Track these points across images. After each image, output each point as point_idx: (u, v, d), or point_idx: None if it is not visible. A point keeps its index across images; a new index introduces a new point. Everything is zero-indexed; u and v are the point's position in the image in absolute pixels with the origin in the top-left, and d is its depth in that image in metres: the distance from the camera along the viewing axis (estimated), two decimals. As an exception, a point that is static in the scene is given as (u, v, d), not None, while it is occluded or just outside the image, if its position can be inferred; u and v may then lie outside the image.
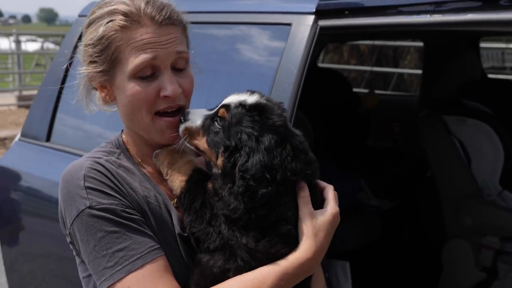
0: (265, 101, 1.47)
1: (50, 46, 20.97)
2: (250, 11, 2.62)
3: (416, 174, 4.47)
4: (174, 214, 1.59)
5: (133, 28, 1.53)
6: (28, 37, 22.35)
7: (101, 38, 1.55)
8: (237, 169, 1.38)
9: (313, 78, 4.44)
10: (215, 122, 1.48)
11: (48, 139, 3.14)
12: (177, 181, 1.55)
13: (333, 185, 1.55)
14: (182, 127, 1.53)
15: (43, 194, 3.01)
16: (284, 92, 2.27)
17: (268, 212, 1.39)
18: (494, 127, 3.75)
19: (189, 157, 1.59)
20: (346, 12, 2.39)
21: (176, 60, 1.56)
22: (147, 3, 1.56)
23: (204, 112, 1.54)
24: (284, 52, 2.35)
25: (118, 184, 1.53)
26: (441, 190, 3.80)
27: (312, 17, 2.35)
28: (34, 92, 12.25)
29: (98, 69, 1.58)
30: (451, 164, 3.74)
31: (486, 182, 3.72)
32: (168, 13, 1.56)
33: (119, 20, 1.53)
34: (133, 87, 1.55)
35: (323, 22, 2.35)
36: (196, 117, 1.53)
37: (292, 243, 1.43)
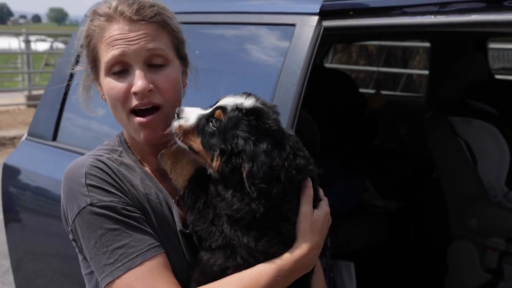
0: (261, 106, 1.47)
1: (60, 45, 21.04)
2: (254, 12, 2.63)
3: (422, 175, 4.46)
4: (175, 211, 1.60)
5: (107, 26, 1.57)
6: (38, 37, 22.42)
7: (85, 37, 1.62)
8: (245, 177, 1.38)
9: (320, 78, 4.47)
10: (210, 123, 1.48)
11: (54, 138, 3.16)
12: (180, 180, 1.56)
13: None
14: (175, 125, 1.53)
15: (49, 193, 3.03)
16: (288, 92, 2.28)
17: (274, 212, 1.41)
18: (500, 129, 3.73)
19: (192, 156, 1.59)
20: (351, 12, 2.39)
21: (150, 57, 1.56)
22: (120, 1, 1.59)
23: (199, 111, 1.53)
24: (288, 53, 2.36)
25: (119, 182, 1.55)
26: (447, 191, 3.79)
27: (316, 18, 2.35)
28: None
29: (87, 67, 1.65)
30: (456, 165, 3.73)
31: (492, 183, 3.71)
32: (136, 9, 1.56)
33: (97, 19, 1.59)
34: (108, 83, 1.58)
35: (327, 23, 2.35)
36: (190, 116, 1.52)
37: (292, 243, 1.45)
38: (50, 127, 3.17)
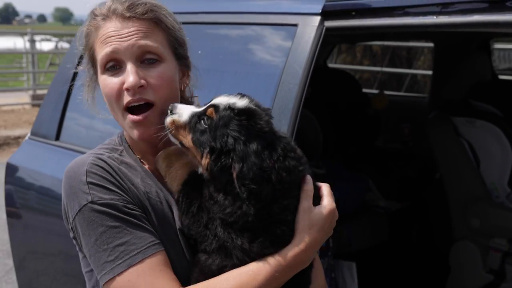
0: (254, 106, 1.47)
1: (65, 45, 21.08)
2: (256, 12, 2.63)
3: (424, 176, 4.46)
4: (176, 209, 1.61)
5: (102, 24, 1.59)
6: (43, 36, 22.49)
7: (84, 37, 1.65)
8: (235, 177, 1.38)
9: (323, 79, 4.47)
10: (202, 121, 1.48)
11: (57, 138, 3.17)
12: (174, 184, 1.56)
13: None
14: (168, 119, 1.53)
15: (52, 193, 3.04)
16: (290, 92, 2.28)
17: (266, 214, 1.41)
18: (504, 129, 3.72)
19: (185, 159, 1.60)
20: (353, 13, 2.39)
21: (142, 53, 1.57)
22: (115, 1, 1.61)
23: (193, 109, 1.54)
24: (290, 53, 2.36)
25: (120, 180, 1.56)
26: (449, 192, 3.78)
27: (318, 18, 2.36)
28: (48, 91, 12.32)
29: (88, 68, 1.67)
30: (459, 166, 3.72)
31: (495, 184, 3.70)
32: (128, 6, 1.58)
33: (93, 19, 1.62)
34: (103, 81, 1.59)
35: (329, 23, 2.36)
36: (184, 112, 1.53)
37: (289, 241, 1.45)
38: (53, 127, 3.18)
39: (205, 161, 1.45)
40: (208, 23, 2.81)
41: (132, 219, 1.49)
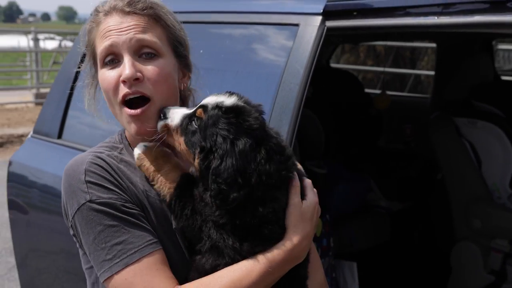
0: (242, 104, 1.47)
1: (68, 44, 21.08)
2: (257, 12, 2.63)
3: (426, 176, 4.46)
4: None
5: (103, 20, 1.61)
6: (47, 35, 22.51)
7: (86, 34, 1.67)
8: (210, 172, 1.39)
9: (325, 78, 4.48)
10: (193, 122, 1.49)
11: (59, 136, 3.18)
12: (165, 188, 1.55)
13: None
14: (161, 124, 1.55)
15: (54, 191, 3.04)
16: (291, 92, 2.29)
17: (248, 216, 1.42)
18: (505, 130, 3.72)
19: (173, 161, 1.60)
20: (355, 13, 2.39)
21: (139, 47, 1.58)
22: None
23: (184, 111, 1.55)
24: (291, 52, 2.36)
25: (118, 179, 1.57)
26: (451, 192, 3.79)
27: (319, 18, 2.36)
28: (51, 89, 12.35)
29: (89, 64, 1.69)
30: (461, 167, 3.72)
31: (496, 185, 3.70)
32: (129, 1, 1.60)
33: (96, 16, 1.64)
34: (102, 75, 1.61)
35: (330, 23, 2.36)
36: (175, 116, 1.54)
37: (280, 237, 1.47)
38: (55, 125, 3.19)
39: (196, 161, 1.46)
40: (209, 23, 2.82)
41: (130, 218, 1.50)
